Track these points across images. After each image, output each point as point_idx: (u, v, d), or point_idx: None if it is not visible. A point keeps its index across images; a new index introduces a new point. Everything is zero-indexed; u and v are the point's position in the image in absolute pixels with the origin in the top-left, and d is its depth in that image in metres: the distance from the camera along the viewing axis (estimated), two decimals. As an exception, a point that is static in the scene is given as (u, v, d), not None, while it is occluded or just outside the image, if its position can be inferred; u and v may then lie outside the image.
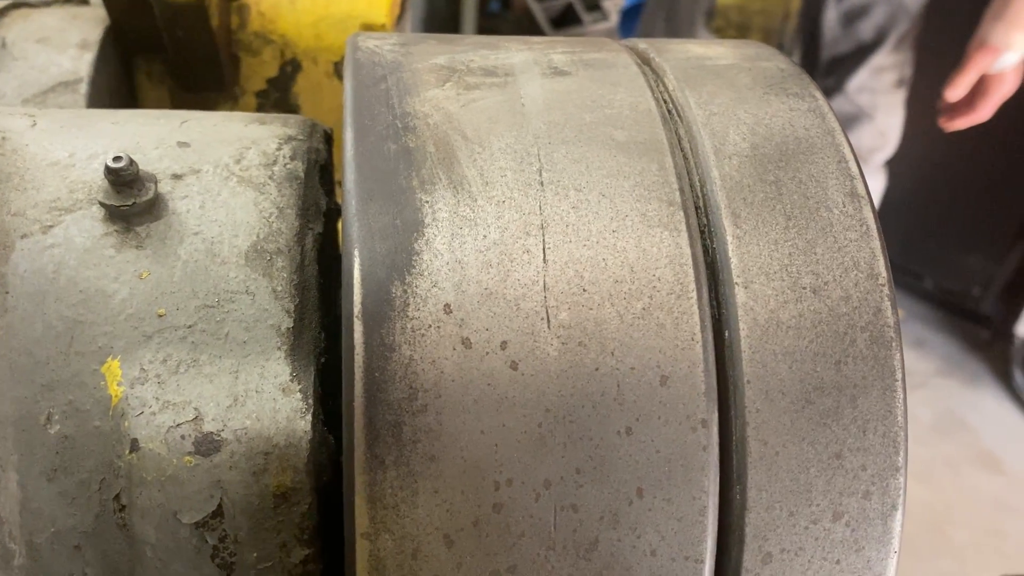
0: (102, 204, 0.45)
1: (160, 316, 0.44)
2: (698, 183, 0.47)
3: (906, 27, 2.20)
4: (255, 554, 0.43)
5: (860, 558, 0.45)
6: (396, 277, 0.42)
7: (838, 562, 0.44)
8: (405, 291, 0.42)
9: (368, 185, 0.43)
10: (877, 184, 2.50)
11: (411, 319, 0.41)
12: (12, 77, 0.70)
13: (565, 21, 3.93)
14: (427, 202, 0.44)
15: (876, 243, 0.46)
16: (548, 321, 0.42)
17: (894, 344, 0.44)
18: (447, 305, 0.42)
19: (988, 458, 3.01)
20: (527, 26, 4.03)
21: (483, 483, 0.41)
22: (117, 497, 0.42)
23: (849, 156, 0.48)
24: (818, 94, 0.51)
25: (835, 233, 0.46)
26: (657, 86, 0.52)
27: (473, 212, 0.44)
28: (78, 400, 0.43)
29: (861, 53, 2.26)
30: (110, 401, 0.43)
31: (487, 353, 0.42)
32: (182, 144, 0.50)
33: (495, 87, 0.49)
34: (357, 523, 0.40)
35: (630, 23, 3.40)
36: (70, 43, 0.72)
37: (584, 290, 0.43)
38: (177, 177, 0.48)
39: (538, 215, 0.44)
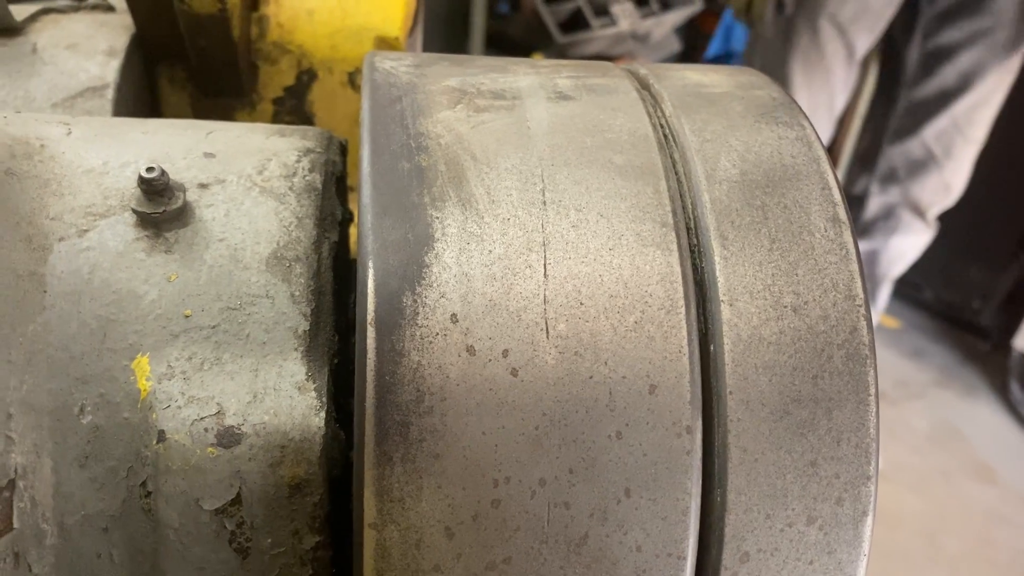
0: (134, 211, 0.49)
1: (187, 317, 0.47)
2: (690, 206, 0.50)
3: (999, 76, 2.11)
4: (269, 540, 0.47)
5: (832, 560, 0.48)
6: (407, 288, 0.45)
7: (811, 563, 0.48)
8: (415, 301, 0.45)
9: (383, 201, 0.47)
10: (925, 238, 2.47)
11: (420, 327, 0.45)
12: (42, 81, 0.74)
13: (573, 25, 3.95)
14: (437, 218, 0.47)
15: (854, 266, 0.49)
16: (547, 332, 0.46)
17: (868, 361, 0.48)
18: (454, 315, 0.45)
19: (982, 469, 3.04)
20: (536, 28, 4.06)
21: (483, 480, 0.45)
22: (143, 484, 0.46)
23: (832, 183, 0.51)
24: (806, 123, 0.54)
25: (816, 256, 0.49)
26: (655, 112, 0.55)
27: (480, 228, 0.47)
28: (109, 393, 0.46)
29: (944, 99, 2.19)
30: (139, 395, 0.46)
31: (490, 360, 0.45)
32: (208, 155, 0.54)
33: (503, 110, 0.52)
34: (366, 514, 0.44)
35: None
36: (98, 50, 0.76)
37: (581, 304, 0.46)
38: (203, 186, 0.52)
39: (540, 232, 0.47)
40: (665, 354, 0.46)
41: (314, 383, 0.47)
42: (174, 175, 0.51)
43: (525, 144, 0.51)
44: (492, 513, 0.45)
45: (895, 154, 2.37)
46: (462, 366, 0.45)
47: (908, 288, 3.47)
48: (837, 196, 0.51)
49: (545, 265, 0.47)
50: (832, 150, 3.55)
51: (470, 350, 0.45)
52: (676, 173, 0.52)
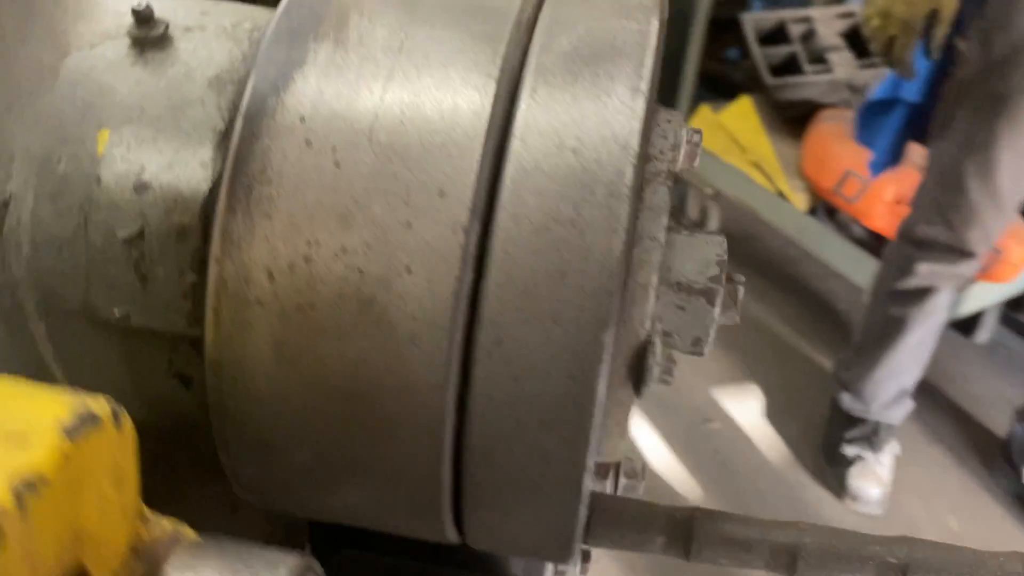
0: (128, 34, 0.67)
1: (142, 108, 0.65)
2: (520, 68, 0.62)
3: None
4: (162, 272, 0.63)
5: (574, 358, 0.57)
6: (274, 93, 0.60)
7: (554, 356, 0.57)
8: (277, 102, 0.60)
9: (279, 33, 0.62)
10: None
11: (275, 121, 0.60)
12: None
13: (786, 69, 3.94)
14: (313, 49, 0.62)
15: (638, 125, 0.59)
16: (370, 139, 0.59)
17: (626, 199, 0.57)
18: (302, 116, 0.60)
19: None
20: (753, 74, 4.08)
21: (300, 239, 0.59)
22: (86, 216, 0.64)
23: (648, 65, 0.61)
24: (655, 21, 0.64)
25: (607, 115, 0.59)
26: (528, 5, 0.67)
27: (343, 60, 0.61)
28: (78, 152, 0.64)
29: None
30: (96, 154, 0.64)
31: (321, 152, 0.59)
32: (204, 12, 0.72)
33: None
34: (212, 250, 0.59)
35: (872, 119, 3.14)
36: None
37: (403, 123, 0.59)
38: (188, 29, 0.69)
39: (388, 69, 0.61)
40: (459, 169, 0.58)
41: (215, 164, 0.63)
42: (171, 19, 0.69)
43: (408, 10, 0.64)
44: (303, 266, 0.59)
45: None
46: (299, 153, 0.59)
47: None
48: (646, 73, 0.61)
49: (384, 92, 0.60)
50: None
51: (308, 143, 0.59)
52: (522, 45, 0.63)
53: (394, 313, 0.58)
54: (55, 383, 0.72)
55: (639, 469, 1.25)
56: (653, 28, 0.64)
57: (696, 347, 0.75)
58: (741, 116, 4.02)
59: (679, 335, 0.74)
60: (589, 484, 0.62)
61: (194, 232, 0.62)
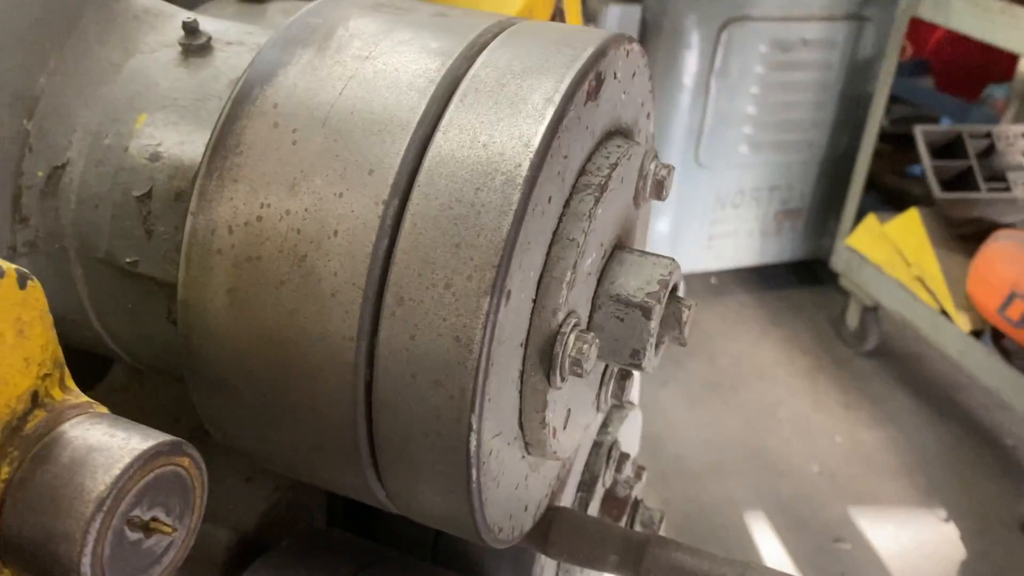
0: (179, 43, 0.83)
1: (174, 99, 0.80)
2: (460, 79, 0.72)
3: None
4: (163, 228, 0.77)
5: (459, 321, 0.65)
6: (259, 85, 0.73)
7: (444, 319, 0.66)
8: (259, 92, 0.73)
9: (276, 41, 0.76)
10: None
11: (254, 106, 0.73)
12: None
13: (960, 184, 3.81)
14: (299, 54, 0.75)
15: (543, 128, 0.67)
16: (324, 124, 0.71)
17: (520, 188, 0.65)
18: (276, 104, 0.72)
19: None
20: (927, 187, 3.96)
21: (255, 201, 0.70)
22: (115, 179, 0.79)
23: (568, 80, 0.69)
24: (590, 50, 0.73)
25: (518, 119, 0.68)
26: (489, 33, 0.77)
27: (320, 63, 0.74)
28: (122, 130, 0.80)
29: None
30: (133, 131, 0.79)
31: (284, 133, 0.71)
32: (249, 32, 0.87)
33: (394, 11, 0.79)
34: (191, 206, 0.72)
35: None
36: (300, 13, 1.15)
37: (352, 114, 0.71)
38: (229, 43, 0.85)
39: (352, 71, 0.73)
40: (388, 153, 0.69)
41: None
42: (218, 35, 0.85)
43: (386, 28, 0.76)
44: (255, 224, 0.70)
45: None
46: (267, 134, 0.72)
47: None
48: (563, 88, 0.69)
49: (343, 89, 0.72)
50: None
51: (276, 126, 0.72)
52: (470, 60, 0.73)
53: (320, 270, 0.69)
54: (88, 323, 0.86)
55: (656, 520, 1.28)
56: (584, 54, 0.72)
57: (635, 359, 0.80)
58: (908, 229, 3.90)
59: (619, 345, 0.80)
60: (481, 448, 0.69)
61: (188, 195, 0.76)
